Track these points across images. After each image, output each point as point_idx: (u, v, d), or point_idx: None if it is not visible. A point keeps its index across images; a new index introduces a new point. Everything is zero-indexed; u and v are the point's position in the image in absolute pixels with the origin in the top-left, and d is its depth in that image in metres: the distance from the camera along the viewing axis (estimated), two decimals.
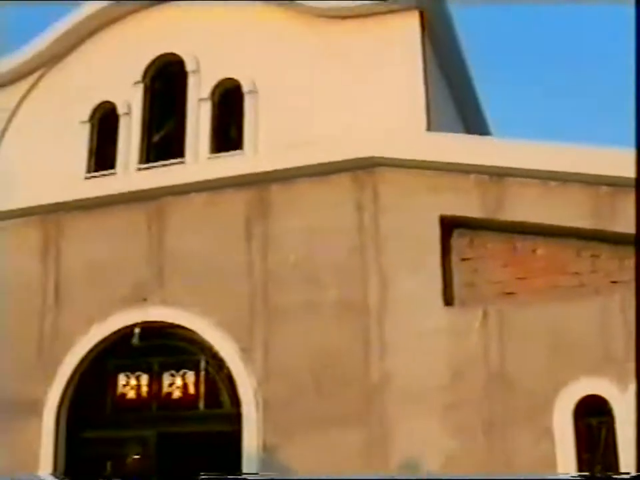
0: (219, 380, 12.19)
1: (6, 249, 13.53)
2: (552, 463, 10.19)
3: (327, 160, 12.00)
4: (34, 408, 12.66)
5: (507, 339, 10.80)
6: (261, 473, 11.21)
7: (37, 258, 13.34)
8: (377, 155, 11.82)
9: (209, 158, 13.18)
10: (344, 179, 11.97)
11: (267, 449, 11.45)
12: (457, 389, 10.82)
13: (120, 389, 12.72)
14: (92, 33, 14.40)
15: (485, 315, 10.98)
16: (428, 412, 10.82)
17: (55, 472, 12.40)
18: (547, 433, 10.29)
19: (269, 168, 12.27)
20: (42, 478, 12.14)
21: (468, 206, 11.40)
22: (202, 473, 13.49)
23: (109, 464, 12.48)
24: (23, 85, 14.64)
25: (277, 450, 11.41)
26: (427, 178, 11.56)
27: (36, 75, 14.59)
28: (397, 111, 12.18)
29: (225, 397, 12.13)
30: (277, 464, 11.31)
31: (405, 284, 11.36)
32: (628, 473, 9.79)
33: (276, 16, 13.33)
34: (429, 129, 12.20)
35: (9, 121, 14.61)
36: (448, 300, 11.33)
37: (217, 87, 13.55)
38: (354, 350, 11.37)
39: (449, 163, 11.47)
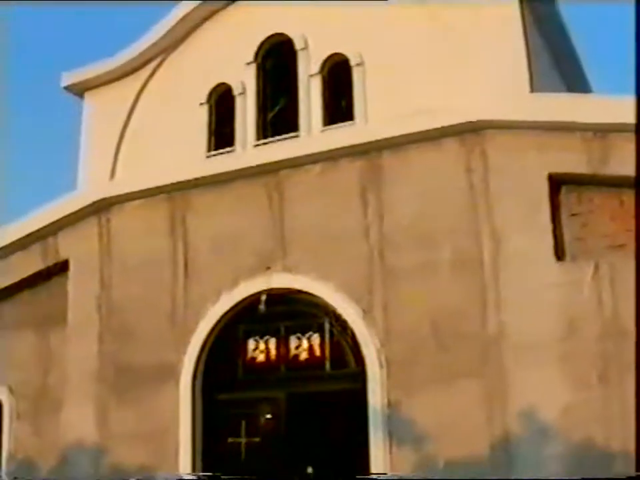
0: (342, 341, 12.63)
1: (137, 226, 14.32)
2: None
3: (435, 126, 12.27)
4: (171, 374, 13.37)
5: (619, 290, 10.93)
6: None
7: (166, 234, 14.00)
8: (483, 118, 12.03)
9: (322, 130, 13.66)
10: (452, 143, 12.24)
11: (391, 405, 11.88)
12: (572, 341, 11.03)
13: (250, 353, 13.31)
14: (205, 19, 15.01)
15: (597, 268, 11.14)
16: (544, 363, 11.06)
17: (194, 434, 13.08)
18: None
19: (380, 136, 12.61)
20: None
21: (574, 163, 11.55)
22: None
23: (243, 423, 13.11)
24: (145, 72, 15.36)
25: (400, 405, 11.83)
26: (533, 138, 11.74)
27: (156, 61, 15.27)
28: (501, 74, 12.39)
29: (350, 357, 12.57)
30: (401, 419, 11.77)
31: (517, 241, 11.58)
32: None
33: None
34: (532, 90, 12.40)
35: (133, 106, 15.32)
36: (559, 255, 11.50)
37: (325, 62, 14.01)
38: (470, 306, 11.68)
39: (553, 122, 11.62)
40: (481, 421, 11.28)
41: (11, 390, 15.21)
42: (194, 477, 12.81)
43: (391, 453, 11.78)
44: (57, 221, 15.15)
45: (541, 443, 10.89)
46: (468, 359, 11.56)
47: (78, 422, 14.18)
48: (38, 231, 15.33)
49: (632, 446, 10.17)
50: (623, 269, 10.96)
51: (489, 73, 12.50)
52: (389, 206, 12.46)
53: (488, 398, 11.34)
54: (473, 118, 12.12)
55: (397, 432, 11.79)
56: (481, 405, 11.33)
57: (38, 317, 15.20)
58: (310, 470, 14.99)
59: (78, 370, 14.40)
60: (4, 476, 15.02)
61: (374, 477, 11.69)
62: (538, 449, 10.91)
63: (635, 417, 10.15)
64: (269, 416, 13.01)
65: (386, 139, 12.59)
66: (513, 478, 10.89)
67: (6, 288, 15.68)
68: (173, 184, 14.04)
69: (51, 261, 15.26)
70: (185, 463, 13.06)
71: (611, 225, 11.46)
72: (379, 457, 11.83)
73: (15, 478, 14.90)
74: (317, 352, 12.84)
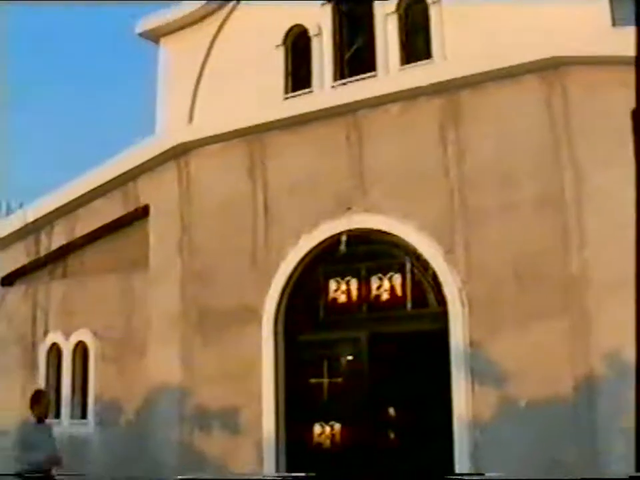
0: (424, 281, 12.60)
1: (216, 170, 14.40)
2: None
3: (515, 62, 12.05)
4: (253, 316, 13.52)
5: None
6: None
7: (245, 177, 14.07)
8: (563, 53, 11.80)
9: (400, 69, 13.46)
10: (532, 80, 12.02)
11: (473, 345, 11.85)
12: None
13: (331, 294, 13.33)
14: None
15: None
16: (627, 302, 10.78)
17: (276, 375, 13.22)
18: None
19: (459, 74, 12.43)
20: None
21: None
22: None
23: (325, 364, 13.21)
24: (220, 16, 15.25)
25: (483, 345, 11.81)
26: (615, 73, 11.42)
27: (231, 4, 15.16)
28: (581, 8, 12.09)
29: (431, 297, 12.55)
30: (483, 359, 11.75)
31: (600, 178, 11.36)
32: None
33: None
34: (614, 24, 12.11)
35: (209, 50, 15.31)
36: None
37: (401, 0, 13.81)
38: (552, 245, 11.53)
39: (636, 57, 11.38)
40: (563, 361, 11.20)
41: (95, 334, 15.52)
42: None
43: (473, 392, 11.78)
44: (137, 166, 15.34)
45: (625, 385, 10.72)
46: (551, 298, 11.45)
47: (162, 364, 14.48)
48: (118, 177, 15.56)
49: None
50: None
51: (569, 7, 12.20)
52: (468, 144, 12.32)
53: (571, 338, 11.23)
54: (553, 53, 11.87)
55: (479, 371, 11.78)
56: (564, 345, 11.22)
57: (120, 261, 15.45)
58: (391, 411, 15.07)
59: (161, 313, 14.67)
60: (91, 416, 15.39)
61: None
62: (621, 391, 10.75)
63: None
64: (350, 357, 13.08)
65: (464, 77, 12.42)
66: (595, 418, 10.87)
67: (89, 234, 15.97)
68: (250, 127, 14.06)
69: (131, 207, 15.49)
70: (268, 403, 13.26)
71: None
72: (461, 397, 11.86)
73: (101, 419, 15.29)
74: (399, 292, 12.80)
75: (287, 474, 12.87)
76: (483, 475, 11.24)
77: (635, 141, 10.75)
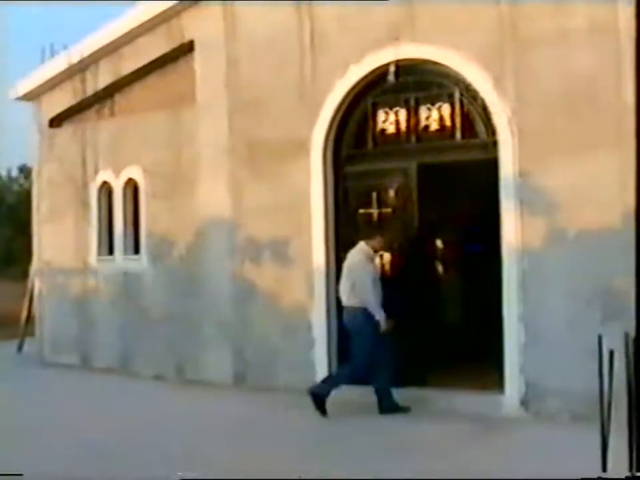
0: (473, 110, 12.43)
1: (261, 3, 14.05)
2: None
3: None
4: (301, 148, 13.50)
5: None
6: None
7: (291, 9, 13.74)
8: None
9: None
10: None
11: (523, 175, 11.73)
12: None
13: (380, 125, 13.20)
14: None
15: None
16: None
17: (326, 206, 13.26)
18: None
19: None
20: None
21: None
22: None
23: (373, 195, 13.17)
24: None
25: (533, 175, 11.68)
26: None
27: None
28: None
29: (480, 127, 12.38)
30: (533, 189, 11.66)
31: None
32: None
33: None
34: None
35: None
36: None
37: None
38: (605, 75, 11.22)
39: None
40: (613, 193, 11.02)
41: (145, 170, 15.67)
42: None
43: (522, 222, 11.74)
44: (180, 1, 15.10)
45: None
46: (603, 128, 11.23)
47: (212, 198, 14.64)
48: (161, 13, 15.32)
49: None
50: None
51: None
52: None
53: (622, 169, 10.94)
54: None
55: (528, 201, 11.70)
56: (615, 176, 10.98)
57: (168, 97, 15.42)
58: (439, 244, 15.27)
59: (210, 147, 14.72)
60: (143, 252, 15.67)
61: None
62: None
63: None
64: (399, 187, 13.03)
65: None
66: None
67: (135, 71, 15.92)
68: None
69: (176, 43, 15.31)
70: (317, 234, 13.39)
71: None
72: (509, 226, 11.84)
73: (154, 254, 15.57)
74: (447, 122, 12.64)
75: None
76: None
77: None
